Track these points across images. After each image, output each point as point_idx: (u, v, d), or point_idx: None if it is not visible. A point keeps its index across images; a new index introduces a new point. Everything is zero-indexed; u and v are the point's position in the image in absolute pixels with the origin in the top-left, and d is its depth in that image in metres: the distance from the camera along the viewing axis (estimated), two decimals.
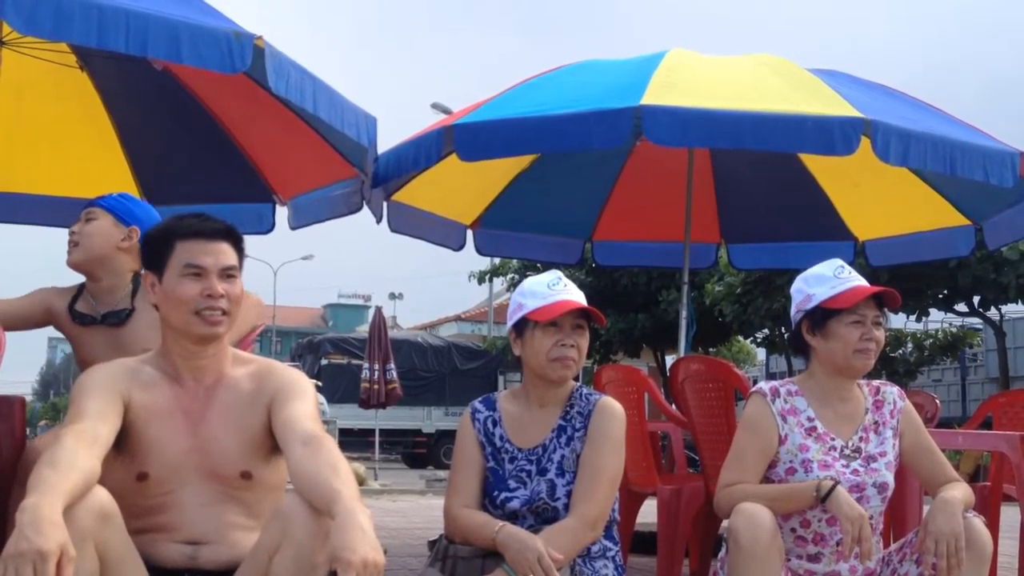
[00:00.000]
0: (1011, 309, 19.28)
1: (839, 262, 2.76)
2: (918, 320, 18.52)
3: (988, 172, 4.32)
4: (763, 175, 6.24)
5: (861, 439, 2.68)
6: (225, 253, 2.32)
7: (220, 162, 5.22)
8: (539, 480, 2.59)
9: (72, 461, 1.97)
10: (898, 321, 19.56)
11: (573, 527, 2.48)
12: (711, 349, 24.19)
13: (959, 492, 2.53)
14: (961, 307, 17.54)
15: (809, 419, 2.67)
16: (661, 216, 6.37)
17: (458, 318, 38.10)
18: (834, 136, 4.06)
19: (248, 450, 2.29)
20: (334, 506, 1.94)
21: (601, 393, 2.71)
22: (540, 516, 2.57)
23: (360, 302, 61.84)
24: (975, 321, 19.57)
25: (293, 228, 5.25)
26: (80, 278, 3.23)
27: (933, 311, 18.46)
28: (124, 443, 2.22)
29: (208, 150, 5.19)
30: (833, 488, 2.48)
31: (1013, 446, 3.31)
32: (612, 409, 2.62)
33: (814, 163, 6.04)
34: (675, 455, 4.64)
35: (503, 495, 2.59)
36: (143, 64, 4.27)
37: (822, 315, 2.68)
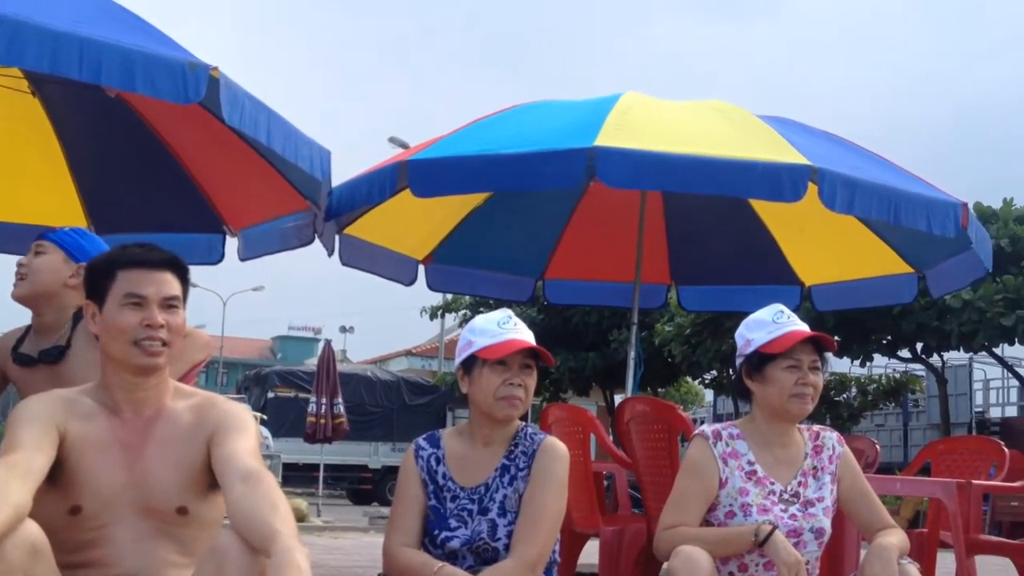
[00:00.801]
0: (953, 356, 19.65)
1: (779, 307, 2.80)
2: (862, 365, 18.76)
3: (931, 222, 4.41)
4: (714, 218, 6.31)
5: (800, 484, 2.70)
6: (168, 283, 2.30)
7: (171, 191, 5.16)
8: (480, 520, 2.58)
9: (3, 495, 1.93)
10: (843, 366, 19.82)
11: (512, 568, 2.47)
12: (660, 390, 24.31)
13: (895, 538, 2.56)
14: (904, 353, 17.83)
15: (750, 463, 2.70)
16: (612, 256, 6.41)
17: (408, 353, 37.89)
18: (782, 183, 4.13)
19: (185, 485, 2.25)
20: (271, 545, 1.91)
21: (546, 433, 2.71)
22: (480, 556, 2.55)
23: (310, 335, 61.33)
24: (918, 367, 19.87)
25: (243, 259, 5.21)
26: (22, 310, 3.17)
27: (877, 357, 18.76)
28: (58, 475, 2.18)
29: (159, 179, 5.14)
30: (771, 533, 2.51)
31: (950, 493, 3.36)
32: (556, 450, 2.62)
33: (763, 208, 6.12)
34: (619, 496, 4.65)
35: (443, 534, 2.58)
36: (96, 91, 4.23)
37: (759, 360, 2.71)
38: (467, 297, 20.98)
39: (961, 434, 18.34)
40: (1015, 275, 15.10)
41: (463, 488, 2.63)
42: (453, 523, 2.59)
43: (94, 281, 2.33)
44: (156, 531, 2.24)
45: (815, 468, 2.73)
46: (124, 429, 2.27)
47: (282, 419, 20.25)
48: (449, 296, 22.14)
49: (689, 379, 25.09)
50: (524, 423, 2.72)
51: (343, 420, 13.23)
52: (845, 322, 16.12)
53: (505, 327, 2.65)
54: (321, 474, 14.60)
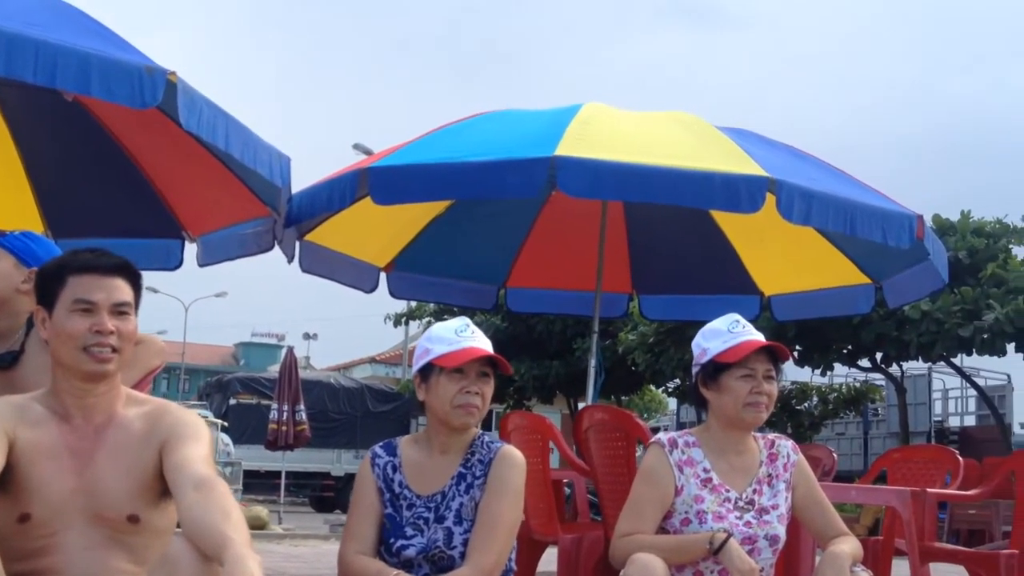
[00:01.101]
0: (912, 366, 19.89)
1: (735, 317, 2.82)
2: (823, 374, 18.96)
3: (886, 233, 4.46)
4: (675, 228, 6.35)
5: (755, 491, 2.73)
6: (119, 289, 2.28)
7: (129, 196, 5.12)
8: (436, 528, 2.58)
9: None
10: (804, 375, 20.01)
11: None
12: (624, 398, 24.40)
13: (847, 546, 2.59)
14: (864, 363, 18.03)
15: (705, 470, 2.72)
16: (574, 265, 6.43)
17: (372, 360, 37.74)
18: (740, 194, 4.16)
19: (136, 493, 2.23)
20: (223, 552, 1.90)
21: (503, 441, 2.72)
22: (436, 565, 2.55)
23: (274, 341, 60.95)
24: (878, 377, 20.09)
25: (202, 265, 5.18)
26: None
27: (838, 366, 18.95)
28: (7, 483, 2.15)
29: (117, 184, 5.10)
30: (726, 541, 2.53)
31: (904, 501, 3.40)
32: (513, 458, 2.63)
33: (724, 218, 6.17)
34: (579, 503, 4.66)
35: (399, 542, 2.57)
36: (54, 94, 4.20)
37: (715, 369, 2.74)
38: (431, 304, 20.96)
39: (920, 443, 18.57)
40: (973, 287, 15.32)
41: (419, 496, 2.63)
42: (409, 531, 2.58)
43: (44, 286, 2.30)
44: (107, 539, 2.22)
45: (770, 476, 2.76)
46: (74, 436, 2.25)
47: (244, 426, 20.08)
48: (413, 303, 22.12)
49: (653, 387, 25.23)
50: (481, 431, 2.72)
51: (305, 427, 13.15)
52: (806, 332, 16.29)
53: (463, 335, 2.65)
54: (283, 481, 14.50)
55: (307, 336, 49.65)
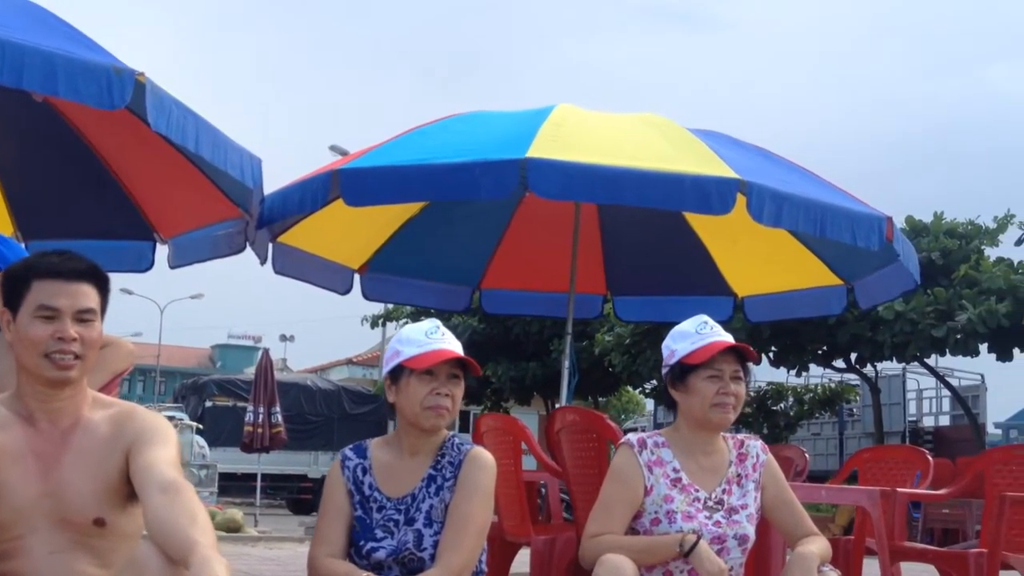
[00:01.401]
0: (887, 367, 20.03)
1: (703, 318, 2.84)
2: (798, 375, 19.08)
3: (856, 235, 4.50)
4: (648, 230, 6.36)
5: (724, 491, 2.74)
6: (84, 295, 2.26)
7: (100, 197, 5.10)
8: (406, 530, 2.58)
9: None
10: (779, 376, 20.12)
11: None
12: (601, 399, 24.46)
13: (816, 547, 2.61)
14: (839, 363, 18.15)
15: (675, 470, 2.73)
16: (548, 266, 6.44)
17: (349, 362, 37.65)
18: (711, 195, 4.18)
19: (103, 496, 2.22)
20: (190, 556, 1.89)
21: (473, 443, 2.72)
22: (406, 567, 2.55)
23: (250, 343, 60.66)
24: (854, 377, 20.23)
25: (173, 267, 5.16)
26: None
27: (813, 367, 19.07)
28: None
29: (88, 185, 5.07)
30: (696, 543, 2.54)
31: (874, 501, 3.42)
32: (483, 460, 2.63)
33: (697, 220, 6.19)
34: (551, 505, 4.66)
35: (369, 545, 2.57)
36: (23, 95, 4.17)
37: (682, 370, 2.76)
38: (408, 307, 20.93)
39: (895, 443, 18.69)
40: (946, 287, 15.45)
41: (389, 498, 2.63)
42: (379, 533, 2.58)
43: (9, 288, 2.28)
44: (73, 543, 2.20)
45: (739, 476, 2.77)
46: (40, 439, 2.23)
47: (220, 428, 20.00)
48: (391, 305, 22.06)
49: (630, 388, 25.29)
50: (452, 433, 2.73)
51: (281, 429, 13.11)
52: (781, 333, 16.38)
53: (433, 337, 2.65)
54: (259, 484, 14.44)
55: (284, 338, 49.45)
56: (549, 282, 6.55)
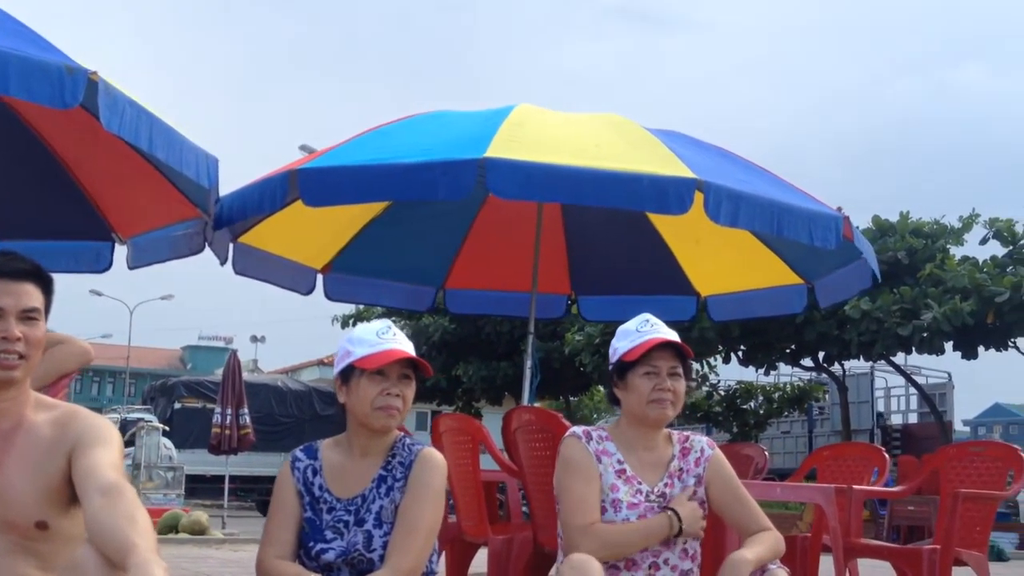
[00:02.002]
0: (855, 365, 20.21)
1: (646, 316, 2.86)
2: (767, 374, 19.20)
3: (813, 234, 4.52)
4: (612, 229, 6.39)
5: (666, 485, 2.77)
6: (28, 294, 2.25)
7: (57, 198, 5.04)
8: (356, 531, 2.57)
9: None
10: (750, 375, 20.25)
11: None
12: (572, 398, 24.50)
13: (759, 548, 2.62)
14: (808, 362, 18.29)
15: (620, 462, 2.77)
16: (512, 266, 6.44)
17: (320, 363, 37.47)
18: (668, 195, 4.19)
19: (45, 499, 2.20)
20: (128, 559, 1.88)
21: (423, 444, 2.71)
22: (355, 568, 2.54)
23: (221, 344, 60.32)
24: (825, 376, 20.40)
25: (132, 268, 5.11)
26: None
27: (782, 366, 19.20)
28: None
29: (45, 185, 5.01)
30: (681, 521, 2.64)
31: (828, 498, 3.44)
32: (433, 460, 2.62)
33: (660, 220, 6.21)
34: (510, 505, 4.66)
35: (318, 546, 2.56)
36: None
37: (622, 368, 2.77)
38: (379, 307, 20.89)
39: (863, 440, 18.84)
40: (911, 286, 15.60)
41: (340, 499, 2.61)
42: (329, 535, 2.57)
43: None
44: (14, 546, 2.18)
45: (681, 470, 2.80)
46: None
47: (189, 430, 19.86)
48: (361, 306, 21.99)
49: (601, 388, 25.32)
50: (403, 434, 2.72)
51: (249, 431, 13.03)
52: (749, 332, 16.49)
53: (384, 337, 2.64)
54: (227, 486, 14.35)
55: (255, 339, 49.22)
56: (513, 282, 6.55)
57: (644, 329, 2.83)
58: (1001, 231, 16.42)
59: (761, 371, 18.39)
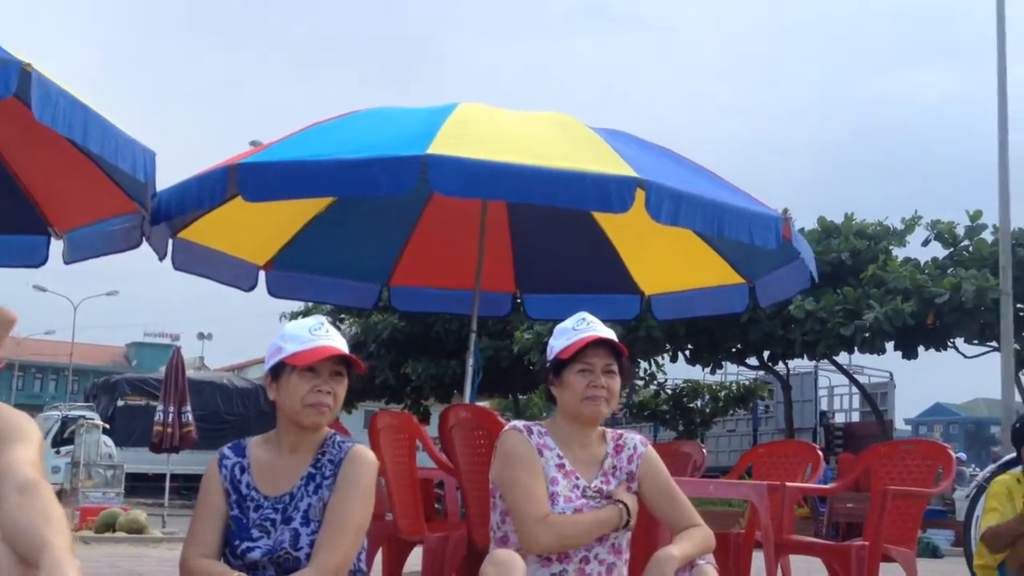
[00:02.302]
0: (801, 364, 20.46)
1: (583, 315, 2.88)
2: (712, 372, 19.37)
3: (753, 234, 4.57)
4: (558, 228, 6.40)
5: (602, 481, 2.79)
6: None
7: None
8: (283, 529, 2.54)
9: None
10: (697, 373, 20.42)
11: None
12: (521, 396, 24.53)
13: (687, 544, 2.65)
14: (753, 361, 18.48)
15: (559, 456, 2.78)
16: (457, 263, 6.43)
17: None
18: (610, 194, 4.22)
19: None
20: (41, 557, 1.84)
21: (354, 440, 2.70)
22: (281, 567, 2.51)
23: (167, 341, 59.48)
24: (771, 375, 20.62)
25: (68, 262, 5.03)
26: None
27: (729, 365, 19.38)
28: None
29: None
30: (629, 514, 2.69)
31: (761, 495, 3.48)
32: (364, 457, 2.61)
33: (605, 219, 6.24)
34: (448, 502, 4.66)
35: (244, 545, 2.53)
36: None
37: (557, 365, 2.78)
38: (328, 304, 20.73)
39: (806, 439, 19.08)
40: (855, 287, 15.81)
41: (267, 497, 2.59)
42: (255, 533, 2.54)
43: None
44: None
45: (615, 467, 2.83)
46: None
47: (132, 428, 19.61)
48: (310, 303, 21.83)
49: None
50: (334, 431, 2.70)
51: (191, 429, 12.86)
52: (696, 331, 16.61)
53: (317, 334, 2.62)
54: (168, 484, 14.16)
55: (202, 336, 48.67)
56: (458, 279, 6.54)
57: (580, 327, 2.84)
58: (942, 233, 16.69)
59: (707, 370, 18.57)
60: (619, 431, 2.91)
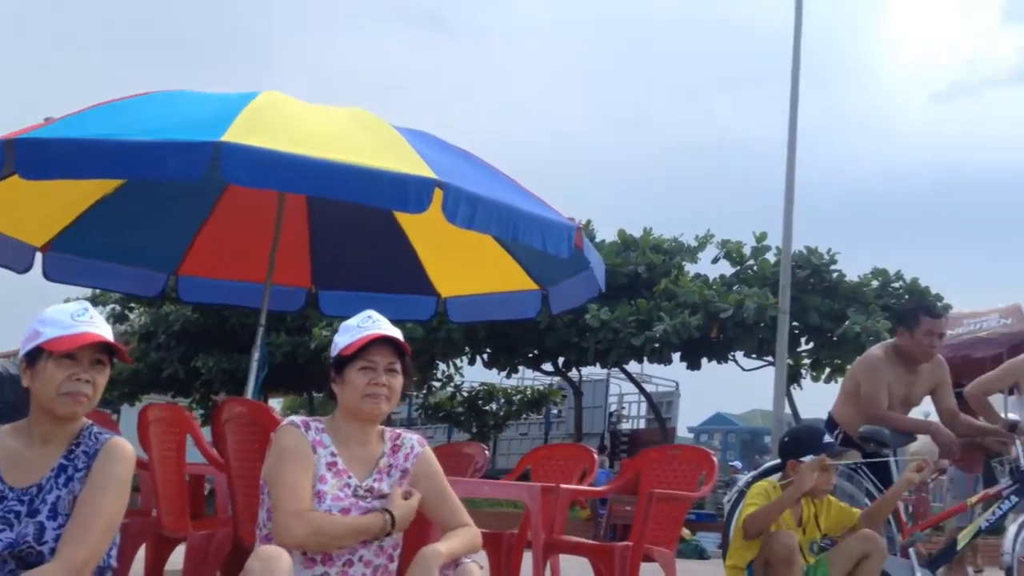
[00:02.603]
0: (594, 372, 21.07)
1: (369, 313, 2.90)
2: (508, 376, 19.70)
3: (546, 241, 4.69)
4: (358, 225, 6.35)
5: (376, 480, 2.81)
6: None
7: None
8: (28, 522, 2.42)
9: None
10: (492, 377, 20.69)
11: (54, 572, 2.33)
12: (316, 394, 24.17)
13: (454, 542, 2.71)
14: (548, 367, 18.92)
15: (332, 454, 2.79)
16: (251, 256, 6.28)
17: None
18: (408, 193, 4.23)
19: None
20: None
21: (113, 433, 2.60)
22: (23, 561, 2.39)
23: None
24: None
25: None
26: None
27: (526, 370, 19.76)
28: None
29: None
30: (393, 525, 2.68)
31: (533, 496, 3.57)
32: (120, 450, 2.51)
33: (406, 220, 6.24)
34: (219, 499, 4.54)
35: None
36: None
37: (340, 363, 2.78)
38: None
39: (594, 444, 19.68)
40: (648, 299, 16.45)
41: (12, 488, 2.46)
42: None
43: None
44: None
45: (390, 466, 2.85)
46: None
47: None
48: (97, 289, 20.80)
49: None
50: (91, 422, 2.59)
51: None
52: (495, 335, 16.87)
53: (80, 320, 2.51)
54: None
55: None
56: (251, 272, 6.39)
57: (365, 325, 2.86)
58: (731, 252, 17.60)
59: (504, 374, 18.86)
60: (398, 431, 2.93)
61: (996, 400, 6.44)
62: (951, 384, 5.87)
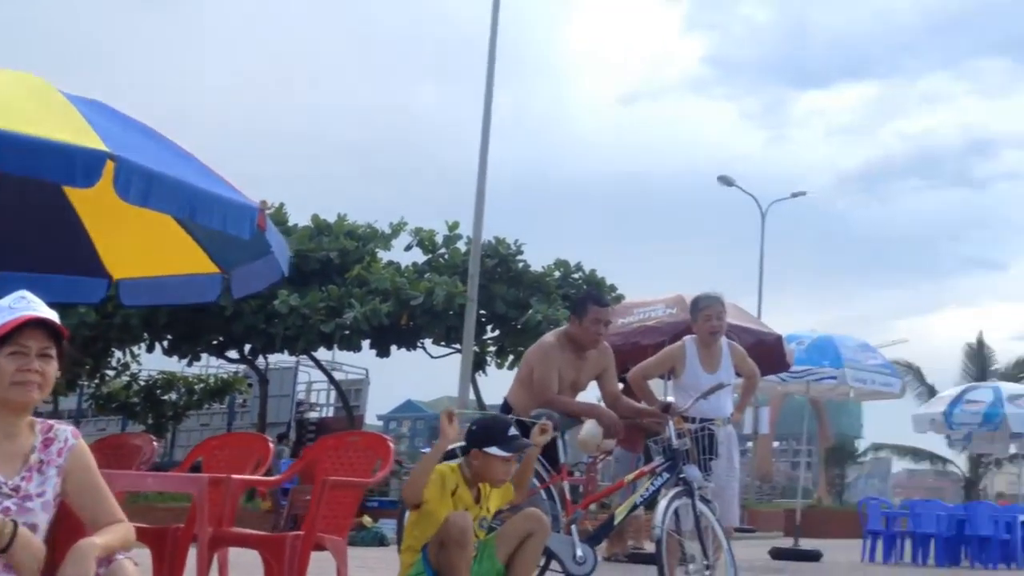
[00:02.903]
0: (282, 359, 20.72)
1: (22, 293, 2.73)
2: (190, 364, 18.97)
3: (227, 222, 4.54)
4: (17, 199, 5.87)
5: (24, 478, 2.62)
6: None
7: None
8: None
9: None
10: (175, 365, 19.83)
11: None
12: None
13: (108, 536, 2.56)
14: (234, 354, 18.39)
15: None
16: None
17: None
18: (75, 166, 3.98)
19: None
20: None
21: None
22: None
23: None
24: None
25: None
26: None
27: (209, 357, 19.09)
28: None
29: None
30: (15, 531, 2.43)
31: (201, 487, 3.46)
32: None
33: (77, 195, 5.84)
34: None
35: None
36: None
37: None
38: None
39: (277, 433, 19.36)
40: (339, 285, 16.40)
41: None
42: None
43: None
44: None
45: (41, 462, 2.66)
46: None
47: None
48: None
49: None
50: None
51: None
52: (177, 321, 16.19)
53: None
54: None
55: None
56: None
57: (17, 306, 2.67)
58: (424, 240, 17.90)
59: (185, 362, 18.12)
60: (50, 422, 2.73)
61: (658, 385, 6.99)
62: (615, 369, 6.33)
